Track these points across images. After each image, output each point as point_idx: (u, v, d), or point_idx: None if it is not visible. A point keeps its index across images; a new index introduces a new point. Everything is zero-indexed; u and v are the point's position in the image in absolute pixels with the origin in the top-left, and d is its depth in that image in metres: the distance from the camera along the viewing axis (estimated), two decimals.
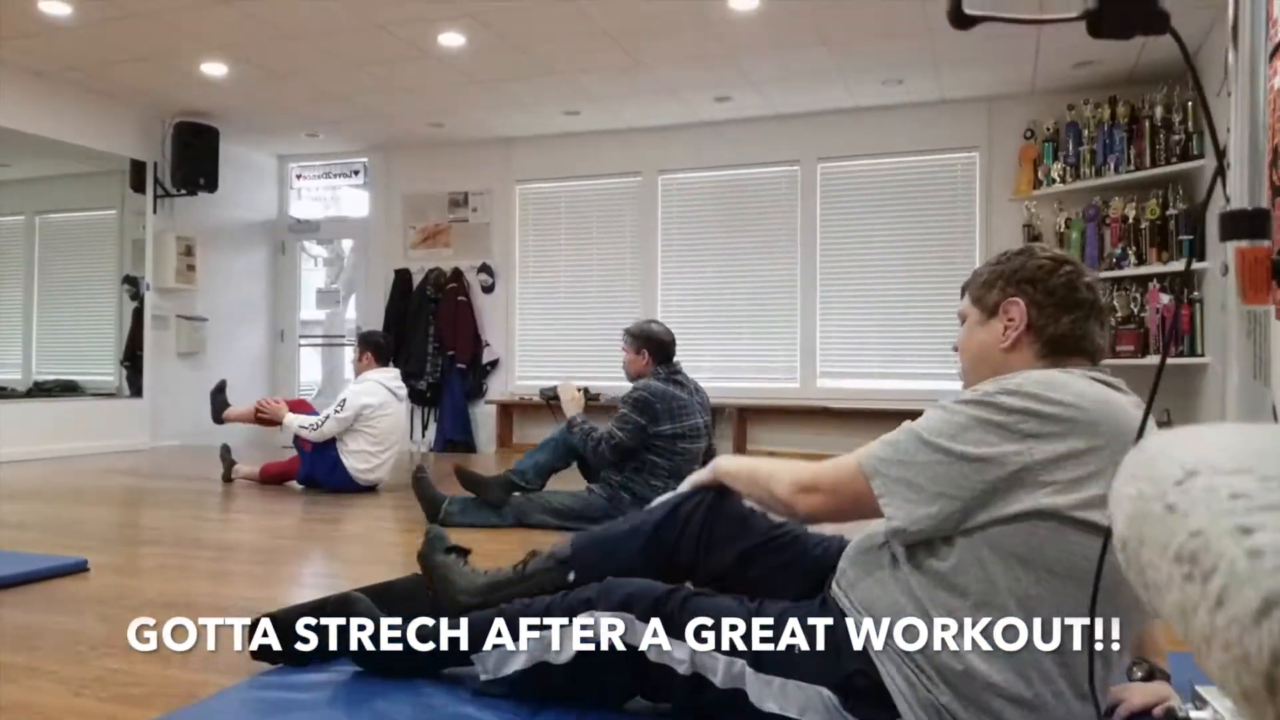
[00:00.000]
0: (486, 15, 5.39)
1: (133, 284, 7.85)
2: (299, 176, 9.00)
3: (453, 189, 8.36)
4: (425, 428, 8.33)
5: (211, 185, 7.59)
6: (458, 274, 8.24)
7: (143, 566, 3.17)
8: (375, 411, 4.96)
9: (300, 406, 5.24)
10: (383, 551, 3.56)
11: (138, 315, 7.77)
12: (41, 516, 4.26)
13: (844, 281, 7.31)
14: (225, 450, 5.53)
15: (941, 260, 7.07)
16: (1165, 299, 6.10)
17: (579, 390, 4.15)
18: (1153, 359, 6.12)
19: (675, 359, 4.12)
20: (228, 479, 5.36)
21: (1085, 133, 6.50)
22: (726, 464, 1.93)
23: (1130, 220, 6.32)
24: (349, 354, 9.44)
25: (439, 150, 8.37)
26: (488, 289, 8.23)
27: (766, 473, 1.76)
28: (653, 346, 4.06)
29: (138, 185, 7.53)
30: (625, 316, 7.86)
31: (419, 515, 4.00)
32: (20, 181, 8.24)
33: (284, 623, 1.98)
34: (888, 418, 6.96)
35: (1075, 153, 6.56)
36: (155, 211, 7.60)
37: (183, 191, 7.58)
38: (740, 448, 7.30)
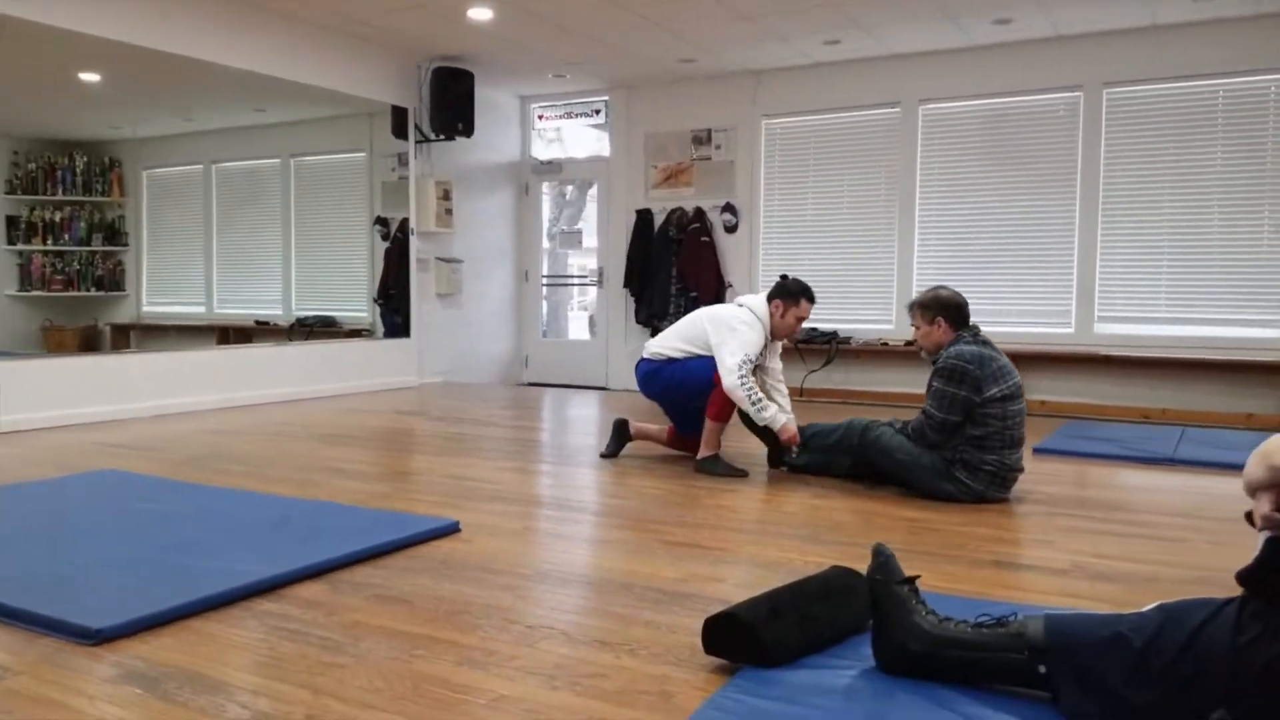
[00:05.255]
0: None
1: (383, 224, 8.16)
2: (540, 117, 9.07)
3: (695, 126, 8.20)
4: None
5: (468, 130, 7.75)
6: (700, 213, 8.12)
7: (509, 528, 3.26)
8: None
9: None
10: (780, 523, 3.52)
11: (389, 255, 8.09)
12: (376, 466, 4.49)
13: (1128, 218, 6.70)
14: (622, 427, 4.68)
15: (1244, 194, 6.36)
16: None
17: None
18: None
19: (973, 321, 3.82)
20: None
21: None
22: None
23: None
24: (577, 293, 9.62)
25: (681, 86, 8.21)
26: (731, 229, 8.08)
27: None
28: (950, 313, 3.77)
29: (399, 131, 7.77)
30: (877, 258, 7.58)
31: (784, 482, 3.97)
32: (274, 126, 8.67)
33: (747, 622, 1.93)
34: (1173, 367, 6.46)
35: None
36: (415, 156, 7.84)
37: (441, 137, 7.77)
38: None
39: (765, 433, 4.26)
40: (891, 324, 7.45)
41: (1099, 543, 3.08)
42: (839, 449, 4.07)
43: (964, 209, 7.23)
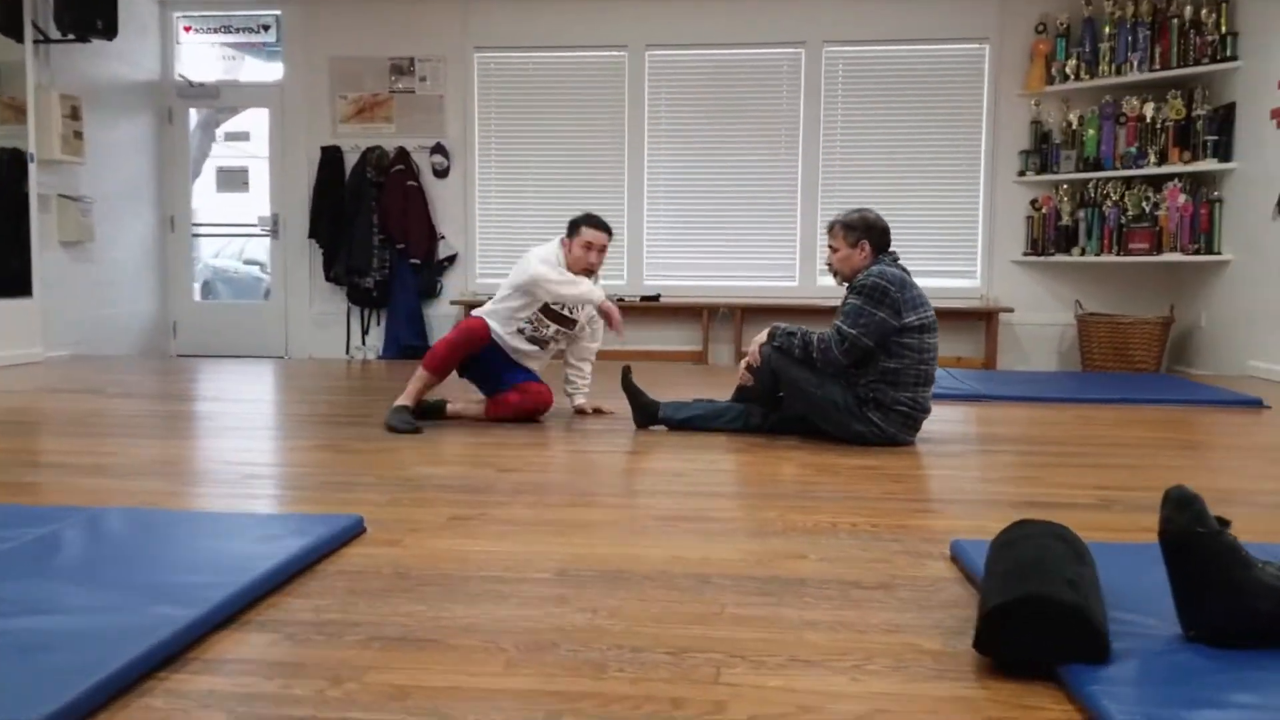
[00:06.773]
0: None
1: None
2: (186, 29, 7.40)
3: (394, 54, 7.17)
4: (366, 332, 7.30)
5: (110, 30, 6.04)
6: (404, 154, 7.13)
7: (426, 521, 2.35)
8: None
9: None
10: (746, 485, 2.90)
11: None
12: (119, 458, 3.20)
13: (847, 174, 6.97)
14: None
15: (946, 156, 6.90)
16: (1183, 199, 6.25)
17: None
18: (1170, 255, 6.30)
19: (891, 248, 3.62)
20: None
21: (1107, 29, 6.45)
22: None
23: (1148, 120, 6.39)
24: (248, 245, 8.15)
25: (374, 6, 7.12)
26: (441, 173, 7.20)
27: None
28: (875, 236, 3.53)
29: (9, 27, 5.84)
30: (605, 210, 7.10)
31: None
32: None
33: (1073, 606, 1.42)
34: None
35: (1093, 50, 6.51)
36: (34, 60, 5.96)
37: (71, 37, 5.97)
38: (741, 351, 6.91)
39: (631, 390, 3.70)
40: (624, 279, 7.11)
41: (1076, 475, 2.96)
42: (729, 405, 3.69)
43: (694, 161, 7.07)
